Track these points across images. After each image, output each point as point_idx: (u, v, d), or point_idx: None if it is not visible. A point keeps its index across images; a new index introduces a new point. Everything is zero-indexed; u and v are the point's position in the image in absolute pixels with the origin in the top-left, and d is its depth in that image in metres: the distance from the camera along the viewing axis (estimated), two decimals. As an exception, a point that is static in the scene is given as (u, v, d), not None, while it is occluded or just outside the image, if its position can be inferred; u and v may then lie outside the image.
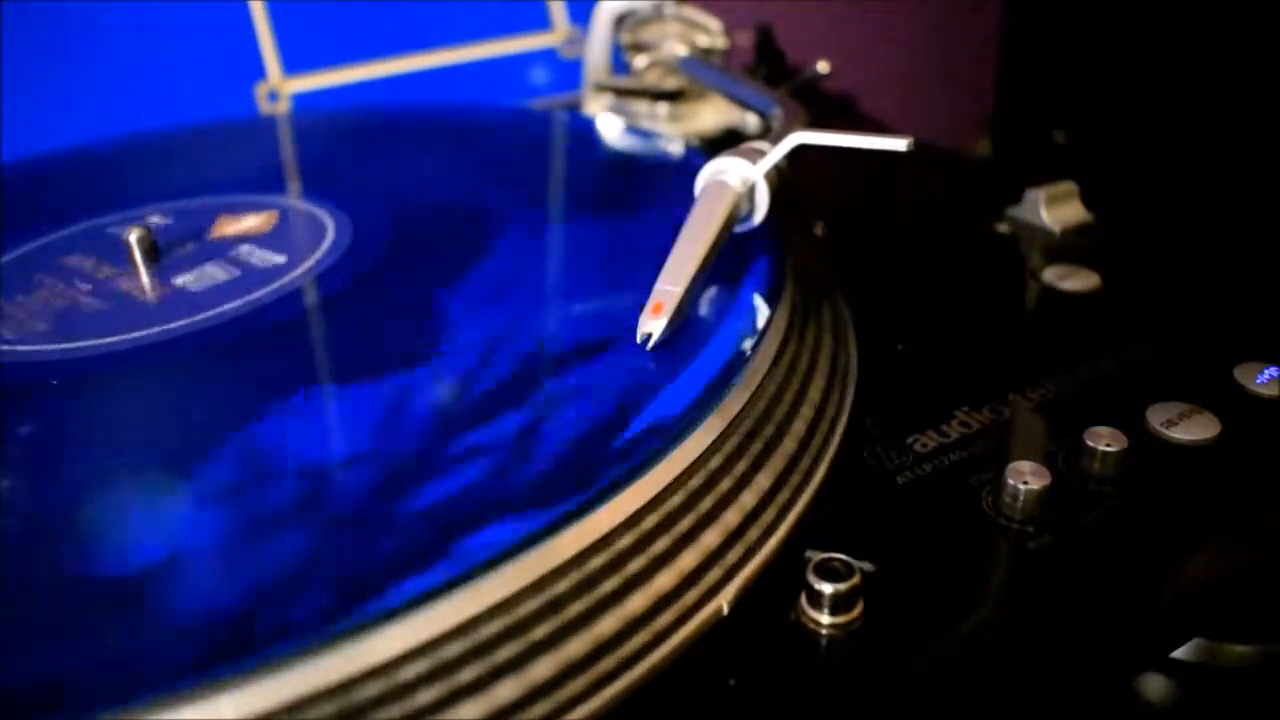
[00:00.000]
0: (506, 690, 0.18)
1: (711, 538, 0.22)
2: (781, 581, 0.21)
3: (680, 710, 0.19)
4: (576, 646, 0.19)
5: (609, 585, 0.20)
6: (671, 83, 0.48)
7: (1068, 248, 0.36)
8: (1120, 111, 0.71)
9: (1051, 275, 0.34)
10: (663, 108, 0.48)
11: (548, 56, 0.57)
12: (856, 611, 0.20)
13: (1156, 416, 0.26)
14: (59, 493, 0.22)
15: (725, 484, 0.22)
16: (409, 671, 0.17)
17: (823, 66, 0.49)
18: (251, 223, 0.31)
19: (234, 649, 0.16)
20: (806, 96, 0.44)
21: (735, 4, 0.58)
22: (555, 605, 0.19)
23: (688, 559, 0.21)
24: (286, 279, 0.30)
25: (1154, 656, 0.25)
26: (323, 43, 0.52)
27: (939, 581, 0.22)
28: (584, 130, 0.45)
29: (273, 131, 0.47)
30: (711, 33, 0.49)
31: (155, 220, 0.35)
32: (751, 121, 0.47)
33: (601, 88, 0.50)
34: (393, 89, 0.53)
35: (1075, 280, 0.34)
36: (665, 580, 0.20)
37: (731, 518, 0.22)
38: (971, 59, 0.84)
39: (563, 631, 0.19)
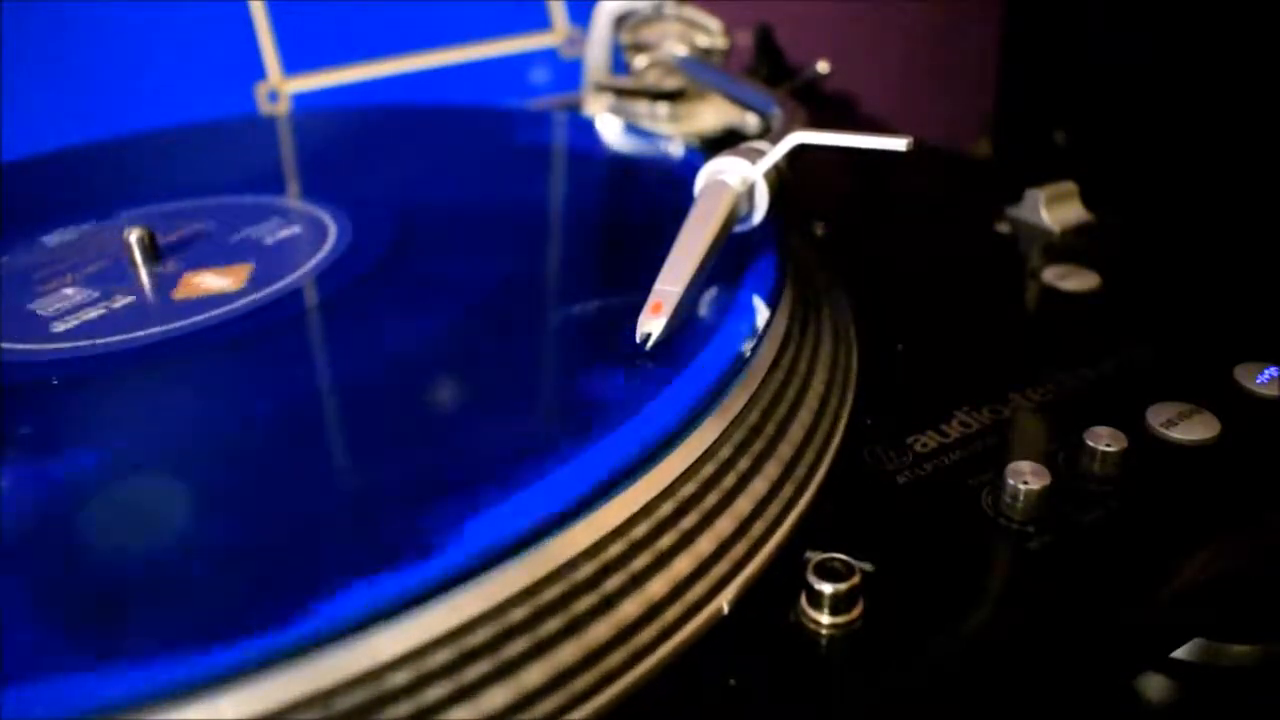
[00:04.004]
0: (508, 690, 0.18)
1: (710, 538, 0.21)
2: (781, 581, 0.21)
3: (680, 710, 0.19)
4: (576, 646, 0.19)
5: (610, 584, 0.20)
6: (671, 83, 0.48)
7: (1068, 248, 0.36)
8: (1120, 111, 0.71)
9: (1051, 275, 0.34)
10: (663, 108, 0.48)
11: (548, 56, 0.57)
12: (856, 611, 0.20)
13: (1156, 416, 0.26)
14: (58, 492, 0.22)
15: (726, 483, 0.22)
16: (409, 672, 0.17)
17: (823, 66, 0.49)
18: (218, 283, 0.30)
19: (234, 648, 0.16)
20: (806, 96, 0.44)
21: (735, 4, 0.58)
22: (557, 603, 0.19)
23: (684, 561, 0.21)
24: (288, 280, 0.30)
25: (1154, 656, 0.25)
26: (323, 43, 0.52)
27: (939, 581, 0.22)
28: (584, 130, 0.45)
29: (273, 131, 0.47)
30: (711, 33, 0.49)
31: (156, 221, 0.35)
32: (751, 121, 0.47)
33: (601, 88, 0.50)
34: (393, 89, 0.53)
35: (1075, 280, 0.34)
36: (665, 580, 0.20)
37: (731, 518, 0.22)
38: (971, 59, 0.84)
39: (563, 632, 0.19)
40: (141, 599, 0.18)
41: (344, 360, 0.27)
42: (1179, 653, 0.25)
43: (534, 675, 0.18)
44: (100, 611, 0.18)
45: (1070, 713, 0.22)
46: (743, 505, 0.22)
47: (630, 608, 0.20)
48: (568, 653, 0.19)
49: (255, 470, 0.22)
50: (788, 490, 0.24)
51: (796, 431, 0.25)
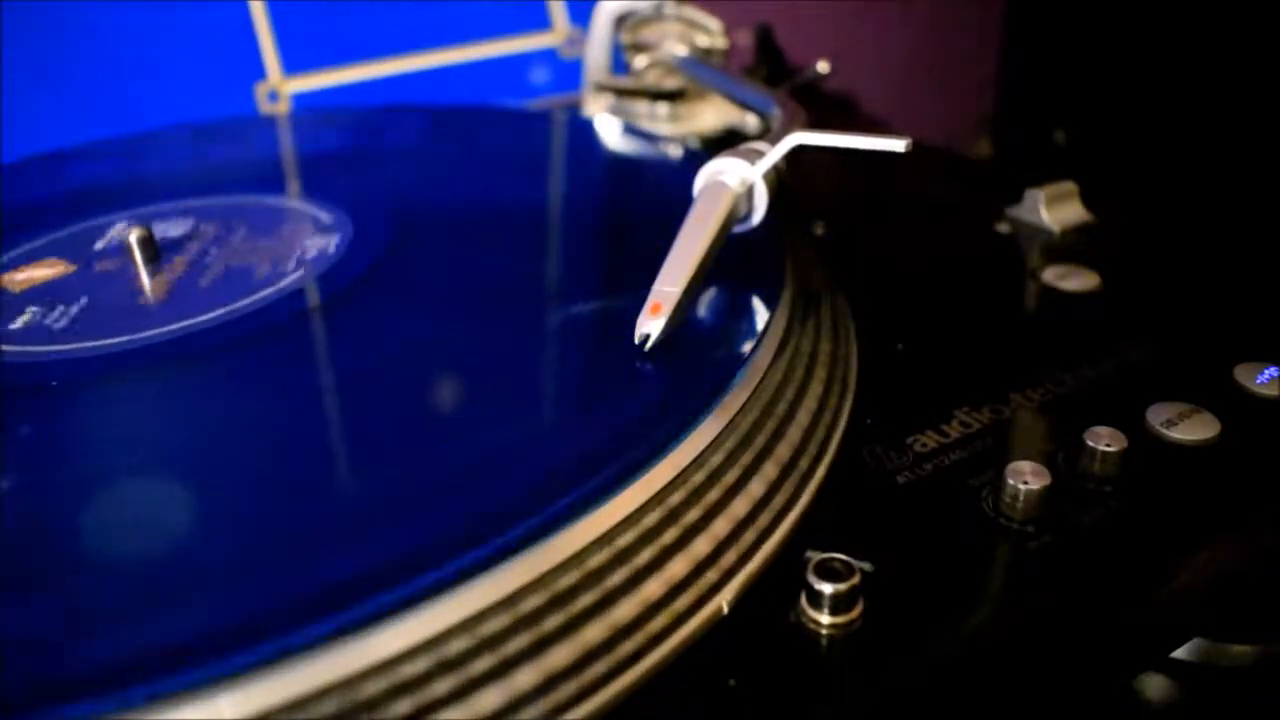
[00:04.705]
0: (511, 686, 0.18)
1: (709, 539, 0.21)
2: (781, 581, 0.21)
3: (680, 710, 0.19)
4: (577, 645, 0.19)
5: (607, 586, 0.20)
6: (671, 83, 0.48)
7: (1068, 248, 0.36)
8: (1120, 111, 0.71)
9: (1051, 275, 0.34)
10: (663, 108, 0.48)
11: (548, 56, 0.57)
12: (856, 611, 0.20)
13: (1156, 416, 0.26)
14: (58, 492, 0.22)
15: (725, 482, 0.22)
16: (406, 671, 0.17)
17: (823, 66, 0.49)
18: (40, 273, 0.30)
19: (233, 649, 0.16)
20: (806, 96, 0.44)
21: (735, 4, 0.58)
22: (557, 601, 0.19)
23: (681, 563, 0.21)
24: (287, 280, 0.30)
25: (1154, 656, 0.25)
26: (323, 43, 0.52)
27: (939, 581, 0.22)
28: (584, 130, 0.45)
29: (273, 131, 0.47)
30: (711, 33, 0.49)
31: (155, 222, 0.35)
32: (751, 121, 0.47)
33: (601, 88, 0.50)
34: (393, 89, 0.53)
35: (1075, 280, 0.34)
36: (669, 575, 0.20)
37: (730, 518, 0.22)
38: (972, 59, 0.84)
39: (562, 631, 0.19)
40: (140, 599, 0.18)
41: (345, 358, 0.27)
42: (1179, 653, 0.25)
43: (528, 676, 0.18)
44: (99, 611, 0.18)
45: (1070, 713, 0.22)
46: (741, 506, 0.22)
47: (627, 608, 0.20)
48: (563, 654, 0.19)
49: (257, 469, 0.22)
50: (787, 490, 0.23)
51: (795, 432, 0.25)
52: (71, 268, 0.31)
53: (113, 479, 0.22)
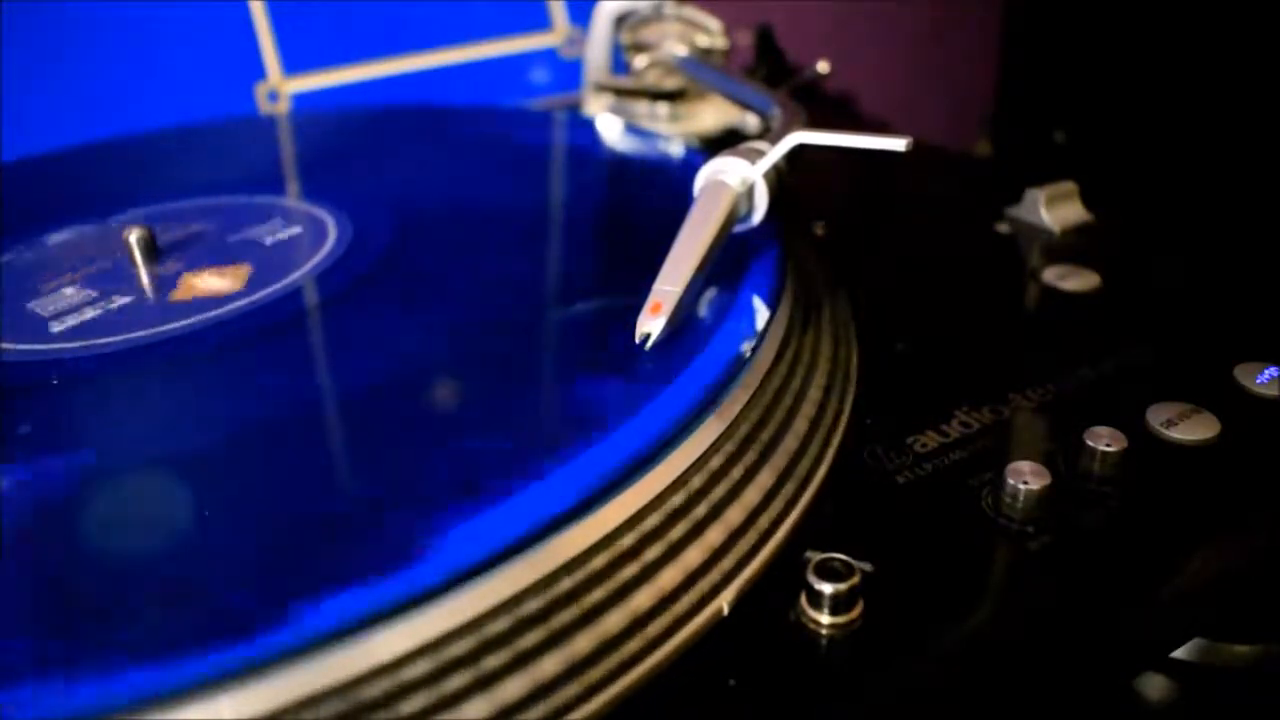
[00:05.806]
0: (513, 688, 0.18)
1: (712, 537, 0.21)
2: (781, 581, 0.21)
3: (680, 710, 0.19)
4: (581, 644, 0.19)
5: (613, 582, 0.20)
6: (671, 83, 0.48)
7: (1068, 248, 0.36)
8: (1120, 111, 0.71)
9: (1051, 275, 0.34)
10: (663, 108, 0.48)
11: (548, 56, 0.57)
12: (856, 611, 0.20)
13: (1156, 416, 0.26)
14: (57, 492, 0.22)
15: (725, 484, 0.22)
16: (409, 672, 0.17)
17: (823, 66, 0.49)
18: (218, 284, 0.30)
19: (233, 648, 0.16)
20: (806, 96, 0.44)
21: (735, 4, 0.58)
22: (557, 603, 0.19)
23: (682, 565, 0.21)
24: (288, 280, 0.30)
25: (1154, 656, 0.25)
26: (323, 43, 0.52)
27: (939, 581, 0.22)
28: (584, 130, 0.45)
29: (273, 131, 0.47)
30: (711, 33, 0.49)
31: (156, 221, 0.35)
32: (751, 121, 0.47)
33: (601, 88, 0.50)
34: (393, 89, 0.53)
35: (1075, 280, 0.34)
36: (668, 578, 0.20)
37: (732, 518, 0.22)
38: (971, 59, 0.84)
39: (566, 630, 0.19)
40: (140, 599, 0.18)
41: (343, 361, 0.27)
42: (1179, 653, 0.25)
43: (534, 672, 0.18)
44: (99, 611, 0.18)
45: (1070, 713, 0.22)
46: (740, 509, 0.22)
47: (615, 618, 0.20)
48: (549, 663, 0.19)
49: (254, 471, 0.22)
50: (788, 491, 0.23)
51: (796, 432, 0.25)
52: (244, 276, 0.31)
53: (111, 479, 0.22)
